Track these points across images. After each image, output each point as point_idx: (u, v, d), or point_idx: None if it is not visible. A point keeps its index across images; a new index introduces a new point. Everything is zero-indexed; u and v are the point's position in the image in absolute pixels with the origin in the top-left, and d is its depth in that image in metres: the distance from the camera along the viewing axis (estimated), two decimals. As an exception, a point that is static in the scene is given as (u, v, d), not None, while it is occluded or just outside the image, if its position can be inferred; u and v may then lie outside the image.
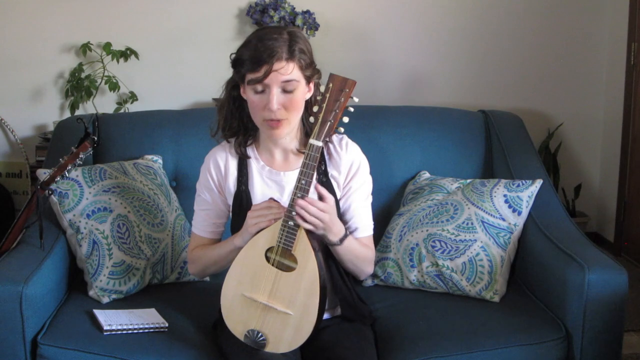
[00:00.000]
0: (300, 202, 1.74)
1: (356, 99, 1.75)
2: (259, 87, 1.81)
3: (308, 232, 1.78)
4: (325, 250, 1.88)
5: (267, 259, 1.80)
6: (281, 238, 1.77)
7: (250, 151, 1.98)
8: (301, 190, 1.75)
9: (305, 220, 1.75)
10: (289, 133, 1.90)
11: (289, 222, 1.76)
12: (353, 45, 3.59)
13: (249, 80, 1.82)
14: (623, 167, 3.63)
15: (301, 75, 1.84)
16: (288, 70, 1.80)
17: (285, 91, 1.82)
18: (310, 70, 1.86)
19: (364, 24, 3.59)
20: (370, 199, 2.01)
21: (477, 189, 2.38)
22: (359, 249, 1.93)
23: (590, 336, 2.00)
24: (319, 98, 1.76)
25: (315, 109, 1.75)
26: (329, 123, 1.74)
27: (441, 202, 2.39)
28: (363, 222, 1.98)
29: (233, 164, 1.97)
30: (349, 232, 1.91)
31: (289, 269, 1.79)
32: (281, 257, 1.79)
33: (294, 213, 1.75)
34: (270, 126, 1.84)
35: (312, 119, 1.75)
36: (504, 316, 2.13)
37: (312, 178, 1.75)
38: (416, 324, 2.08)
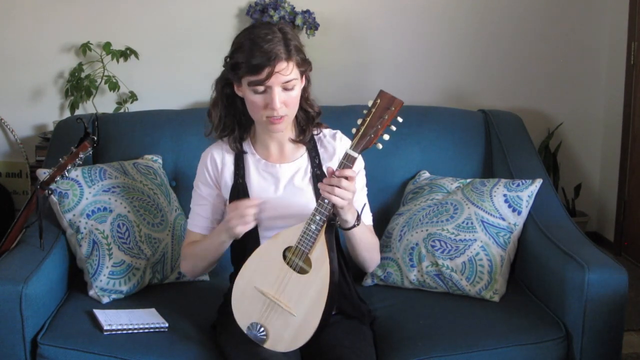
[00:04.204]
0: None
1: (400, 119, 1.77)
2: (260, 88, 1.84)
3: (327, 233, 1.80)
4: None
5: (285, 256, 1.82)
6: (301, 240, 1.80)
7: (246, 146, 2.01)
8: (323, 198, 1.77)
9: (334, 194, 1.75)
10: (287, 126, 1.95)
11: (311, 226, 1.79)
12: (353, 45, 3.59)
13: (249, 82, 1.84)
14: (623, 167, 3.63)
15: (298, 73, 1.87)
16: (288, 71, 1.83)
17: (286, 89, 1.85)
18: (305, 66, 1.90)
19: (364, 23, 3.59)
20: (365, 190, 2.05)
21: (477, 188, 2.38)
22: (368, 233, 1.98)
23: (590, 336, 2.00)
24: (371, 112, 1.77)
25: (359, 121, 1.76)
26: (368, 137, 1.76)
27: (441, 201, 2.39)
28: (362, 212, 1.99)
29: (229, 159, 2.00)
30: None
31: (303, 271, 1.81)
32: (298, 259, 1.81)
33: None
34: (272, 123, 1.87)
35: (353, 130, 1.77)
36: (503, 316, 2.13)
37: None
38: (416, 323, 2.09)
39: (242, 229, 1.85)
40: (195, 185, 2.05)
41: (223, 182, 2.00)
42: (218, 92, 1.96)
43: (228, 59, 1.89)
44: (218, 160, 2.01)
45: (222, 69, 1.94)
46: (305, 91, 1.95)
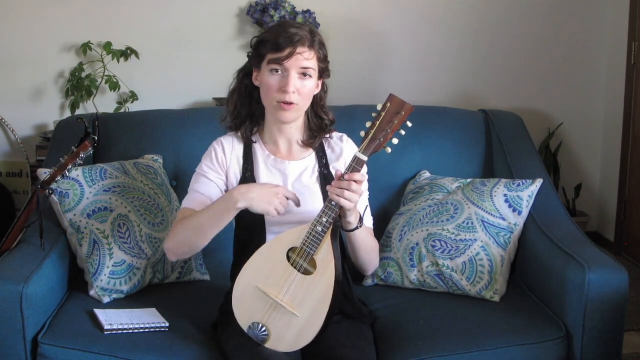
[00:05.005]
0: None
1: (409, 124, 1.79)
2: (279, 69, 1.89)
3: (332, 236, 1.80)
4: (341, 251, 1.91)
5: (289, 257, 1.82)
6: (306, 242, 1.80)
7: (256, 139, 2.04)
8: (331, 201, 1.78)
9: (343, 197, 1.76)
10: (296, 120, 1.98)
11: (317, 228, 1.79)
12: (353, 45, 3.59)
13: (270, 60, 1.89)
14: (623, 167, 3.63)
15: (317, 67, 1.93)
16: (309, 57, 1.90)
17: (302, 77, 1.90)
18: (325, 65, 1.96)
19: (364, 23, 3.59)
20: (367, 193, 2.07)
21: (477, 188, 2.38)
22: (369, 236, 2.01)
23: (590, 336, 2.00)
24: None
25: (368, 124, 1.78)
26: (378, 141, 1.78)
27: (441, 201, 2.39)
28: (364, 214, 2.00)
29: (239, 150, 2.03)
30: None
31: (307, 272, 1.81)
32: (303, 260, 1.81)
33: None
34: (282, 108, 1.91)
35: (362, 133, 1.79)
36: (504, 316, 2.13)
37: None
38: (416, 323, 2.09)
39: (272, 211, 1.83)
40: (199, 168, 2.03)
41: (231, 171, 2.01)
42: (238, 81, 2.01)
43: (255, 39, 1.96)
44: (228, 148, 2.03)
45: (230, 69, 2.01)
46: (321, 99, 2.01)
